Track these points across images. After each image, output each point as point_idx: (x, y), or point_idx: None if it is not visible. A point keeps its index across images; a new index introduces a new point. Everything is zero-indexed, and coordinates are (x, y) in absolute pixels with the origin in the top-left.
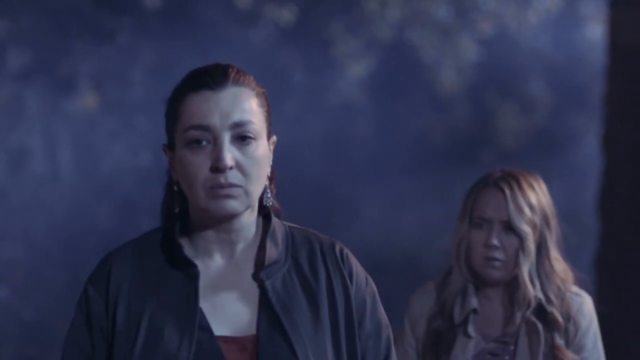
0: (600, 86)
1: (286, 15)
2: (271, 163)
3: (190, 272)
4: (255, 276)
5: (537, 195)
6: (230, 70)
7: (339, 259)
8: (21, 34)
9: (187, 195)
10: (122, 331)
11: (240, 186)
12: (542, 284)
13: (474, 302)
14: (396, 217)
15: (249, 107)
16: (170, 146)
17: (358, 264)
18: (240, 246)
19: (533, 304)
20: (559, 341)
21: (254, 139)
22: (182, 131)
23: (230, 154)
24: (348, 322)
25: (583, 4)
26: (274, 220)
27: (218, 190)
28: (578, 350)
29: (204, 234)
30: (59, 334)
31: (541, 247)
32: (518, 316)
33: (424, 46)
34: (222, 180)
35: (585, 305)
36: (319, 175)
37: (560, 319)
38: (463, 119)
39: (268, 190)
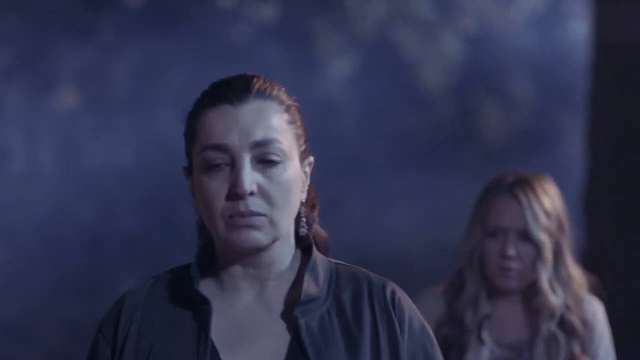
0: (585, 84)
1: (268, 12)
2: (308, 187)
3: (202, 309)
4: (289, 314)
5: (551, 201)
6: (254, 81)
7: (389, 301)
8: (1, 32)
9: (207, 226)
10: None
11: (264, 215)
12: (561, 292)
13: (487, 308)
14: (380, 215)
15: (274, 123)
16: (189, 169)
17: (414, 309)
18: (272, 283)
19: (557, 313)
20: (578, 349)
21: (281, 160)
22: (198, 152)
23: (251, 178)
24: None
25: (568, 1)
26: (316, 254)
27: (238, 219)
28: (593, 356)
29: (230, 269)
30: (41, 334)
31: (557, 254)
32: (543, 326)
33: (408, 44)
34: (242, 208)
35: (599, 311)
36: None
37: (579, 326)
38: (447, 116)
39: (303, 218)
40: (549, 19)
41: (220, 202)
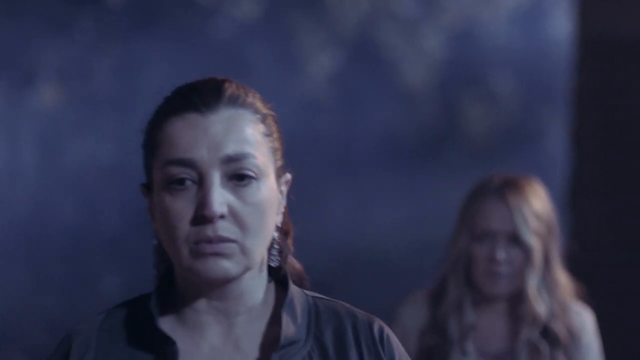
0: (569, 81)
1: (250, 8)
2: (283, 210)
3: (167, 352)
4: (264, 359)
5: (542, 203)
6: (225, 86)
7: (378, 340)
8: None
9: (168, 252)
10: None
11: (234, 241)
12: (547, 299)
13: (471, 316)
14: (363, 213)
15: (248, 135)
16: (148, 187)
17: (401, 349)
18: (241, 318)
19: (540, 321)
20: (562, 358)
21: (255, 178)
22: (160, 167)
23: (221, 198)
24: None
25: None
26: (292, 287)
27: (205, 246)
28: None
29: (194, 302)
30: (19, 334)
31: (546, 259)
32: (524, 333)
33: (390, 41)
34: (210, 233)
35: (587, 321)
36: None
37: (564, 335)
38: (429, 114)
39: (276, 246)
40: (532, 16)
41: (184, 225)
